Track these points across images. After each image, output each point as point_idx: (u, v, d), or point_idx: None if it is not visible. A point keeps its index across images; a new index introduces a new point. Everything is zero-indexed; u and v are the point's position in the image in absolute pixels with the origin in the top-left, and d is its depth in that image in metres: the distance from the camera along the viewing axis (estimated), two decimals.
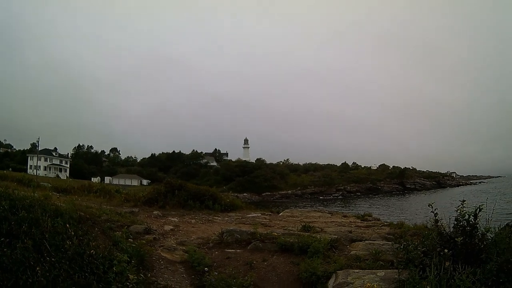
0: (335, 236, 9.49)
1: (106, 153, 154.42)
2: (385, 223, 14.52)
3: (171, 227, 11.67)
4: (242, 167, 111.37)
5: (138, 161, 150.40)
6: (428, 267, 5.30)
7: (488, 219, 6.11)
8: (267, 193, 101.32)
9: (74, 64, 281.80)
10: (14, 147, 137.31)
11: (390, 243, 8.35)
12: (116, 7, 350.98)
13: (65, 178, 76.79)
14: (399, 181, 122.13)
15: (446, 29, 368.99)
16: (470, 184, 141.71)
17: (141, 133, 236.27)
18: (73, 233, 6.10)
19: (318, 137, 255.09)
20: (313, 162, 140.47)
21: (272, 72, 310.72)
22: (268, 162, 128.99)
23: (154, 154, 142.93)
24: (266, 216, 16.50)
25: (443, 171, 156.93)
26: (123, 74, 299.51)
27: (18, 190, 10.25)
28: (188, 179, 66.49)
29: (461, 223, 5.87)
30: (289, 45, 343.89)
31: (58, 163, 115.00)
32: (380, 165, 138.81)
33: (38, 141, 69.11)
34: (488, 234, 5.84)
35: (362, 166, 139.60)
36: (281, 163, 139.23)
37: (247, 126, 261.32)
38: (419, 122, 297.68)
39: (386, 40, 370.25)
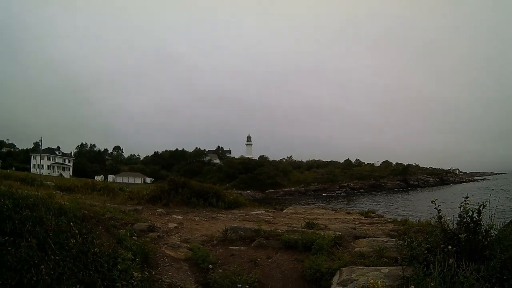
0: (339, 233, 9.49)
1: (109, 152, 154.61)
2: (389, 220, 14.51)
3: (175, 225, 11.68)
4: (245, 164, 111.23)
5: (141, 159, 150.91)
6: (432, 264, 5.30)
7: (492, 216, 6.10)
8: (270, 190, 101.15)
9: (75, 63, 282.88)
10: (17, 146, 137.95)
11: (394, 240, 8.34)
12: (116, 6, 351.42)
13: (69, 177, 76.82)
14: (402, 178, 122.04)
15: (446, 28, 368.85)
16: (473, 181, 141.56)
17: (144, 131, 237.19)
18: (77, 231, 6.12)
19: (321, 134, 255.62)
20: (316, 159, 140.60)
21: (275, 70, 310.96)
22: (271, 159, 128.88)
23: (157, 152, 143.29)
24: (269, 213, 16.49)
25: (446, 168, 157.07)
26: (125, 72, 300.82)
27: (21, 189, 10.29)
28: (191, 176, 66.46)
29: (465, 220, 5.86)
30: (290, 44, 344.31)
31: (61, 162, 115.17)
32: (383, 162, 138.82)
33: (41, 140, 69.69)
34: (491, 231, 5.82)
35: (365, 163, 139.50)
36: (284, 160, 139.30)
37: (250, 124, 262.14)
38: (422, 119, 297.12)
39: (388, 40, 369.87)
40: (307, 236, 8.79)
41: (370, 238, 9.35)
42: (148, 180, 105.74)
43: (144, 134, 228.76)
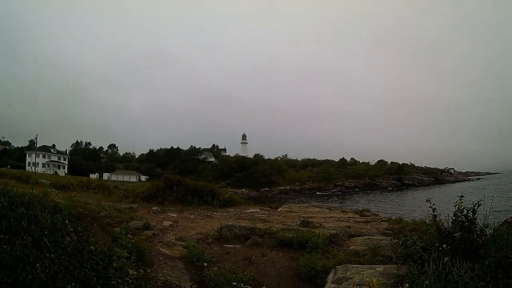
0: (334, 231, 9.50)
1: (104, 150, 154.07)
2: (384, 219, 14.53)
3: (170, 223, 11.69)
4: (240, 162, 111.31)
5: (136, 157, 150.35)
6: (426, 262, 5.33)
7: (486, 215, 6.14)
8: (265, 188, 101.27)
9: (71, 61, 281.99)
10: (12, 144, 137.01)
11: (389, 238, 8.37)
12: (114, 5, 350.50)
13: (64, 175, 76.63)
14: (397, 177, 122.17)
15: (446, 28, 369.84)
16: (468, 181, 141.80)
17: (139, 129, 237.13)
18: (72, 229, 6.09)
19: (317, 133, 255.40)
20: (311, 158, 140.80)
21: (271, 69, 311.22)
22: (266, 157, 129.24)
23: (152, 150, 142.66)
24: (264, 212, 16.51)
25: (441, 167, 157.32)
26: (121, 71, 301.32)
27: (17, 187, 10.24)
28: (186, 174, 66.26)
29: (460, 219, 5.90)
30: (288, 43, 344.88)
31: (57, 160, 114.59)
32: (378, 161, 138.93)
33: (36, 138, 69.36)
34: (486, 230, 5.86)
35: (360, 162, 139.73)
36: (280, 158, 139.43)
37: (245, 122, 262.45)
38: (418, 119, 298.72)
39: (386, 40, 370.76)
40: (302, 234, 8.82)
41: (365, 237, 9.38)
42: (143, 178, 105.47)
43: (139, 132, 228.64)
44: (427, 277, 4.99)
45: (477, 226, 5.83)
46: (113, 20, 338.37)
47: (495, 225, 6.23)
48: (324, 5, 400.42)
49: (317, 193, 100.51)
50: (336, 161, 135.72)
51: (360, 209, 18.86)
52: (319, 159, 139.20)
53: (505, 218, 7.26)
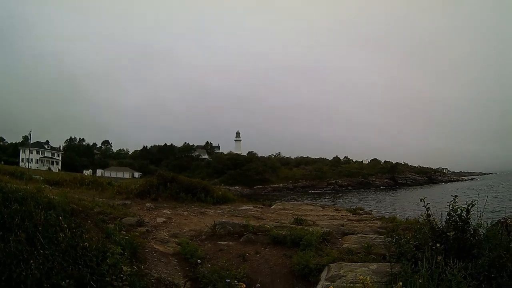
0: (327, 229, 9.55)
1: (97, 146, 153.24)
2: (377, 217, 14.63)
3: (164, 220, 11.67)
4: (234, 160, 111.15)
5: (129, 153, 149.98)
6: (420, 261, 5.35)
7: (480, 215, 6.17)
8: (258, 186, 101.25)
9: (66, 57, 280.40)
10: (6, 140, 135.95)
11: (382, 236, 8.42)
12: (114, 2, 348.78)
13: (57, 171, 76.10)
14: (390, 176, 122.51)
15: (446, 28, 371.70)
16: (462, 181, 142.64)
17: (132, 126, 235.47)
18: (66, 225, 6.06)
19: (310, 131, 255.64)
20: (304, 156, 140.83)
21: (265, 67, 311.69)
22: (259, 155, 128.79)
23: (146, 146, 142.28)
24: (258, 209, 16.56)
25: (434, 166, 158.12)
26: (115, 67, 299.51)
27: (10, 183, 10.20)
28: (179, 171, 66.35)
29: (453, 218, 5.94)
30: (283, 42, 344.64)
31: (50, 156, 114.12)
32: (372, 159, 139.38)
33: (30, 134, 68.74)
34: (480, 229, 5.90)
35: (354, 161, 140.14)
36: (273, 156, 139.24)
37: (239, 119, 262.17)
38: (412, 118, 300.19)
39: (387, 40, 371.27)
40: (295, 232, 8.85)
41: (358, 235, 9.41)
42: (137, 174, 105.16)
43: (133, 129, 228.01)
44: (420, 276, 5.01)
45: (471, 225, 5.87)
46: (109, 16, 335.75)
47: (489, 225, 6.27)
48: (324, 5, 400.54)
49: (310, 191, 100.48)
50: (330, 159, 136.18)
51: (354, 207, 18.98)
52: (313, 157, 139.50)
53: (498, 218, 7.31)
